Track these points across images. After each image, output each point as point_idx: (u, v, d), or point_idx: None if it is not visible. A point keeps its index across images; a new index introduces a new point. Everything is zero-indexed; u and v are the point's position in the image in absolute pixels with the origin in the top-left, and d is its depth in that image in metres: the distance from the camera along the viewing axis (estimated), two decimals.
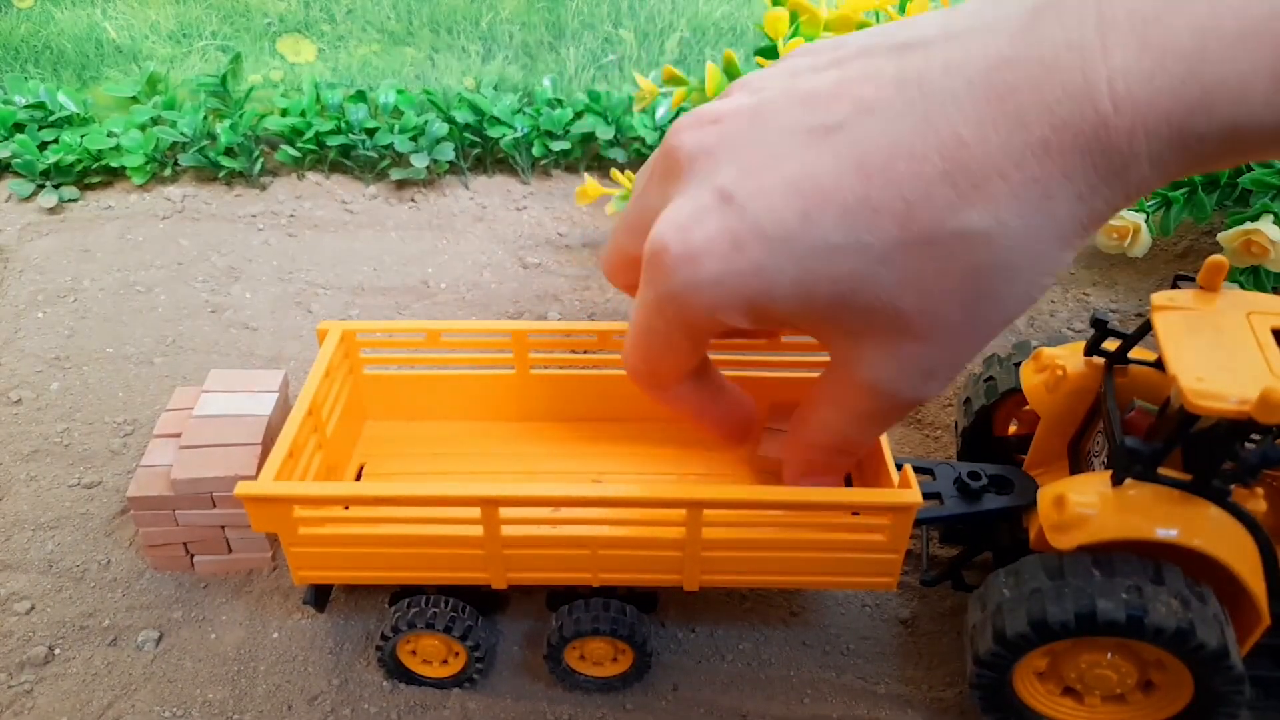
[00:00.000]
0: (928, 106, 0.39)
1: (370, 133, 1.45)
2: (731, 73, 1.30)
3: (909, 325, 0.44)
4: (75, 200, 1.37)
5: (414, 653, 0.76)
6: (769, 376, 0.89)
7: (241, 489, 0.67)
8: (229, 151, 1.43)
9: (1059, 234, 0.40)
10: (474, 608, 0.76)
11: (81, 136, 1.42)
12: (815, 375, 0.88)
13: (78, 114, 1.50)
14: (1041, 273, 0.42)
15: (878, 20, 1.15)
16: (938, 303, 0.43)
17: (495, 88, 1.63)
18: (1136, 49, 0.36)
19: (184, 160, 1.43)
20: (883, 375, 0.47)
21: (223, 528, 0.83)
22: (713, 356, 0.87)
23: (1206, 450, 0.65)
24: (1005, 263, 0.41)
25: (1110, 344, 0.77)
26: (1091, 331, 0.76)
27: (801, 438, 0.57)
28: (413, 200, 1.40)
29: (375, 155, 1.44)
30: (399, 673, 0.77)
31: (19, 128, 1.47)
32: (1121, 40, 0.36)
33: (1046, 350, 0.80)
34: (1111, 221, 1.15)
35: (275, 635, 0.81)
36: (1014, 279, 0.42)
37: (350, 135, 1.43)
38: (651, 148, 1.44)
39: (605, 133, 1.45)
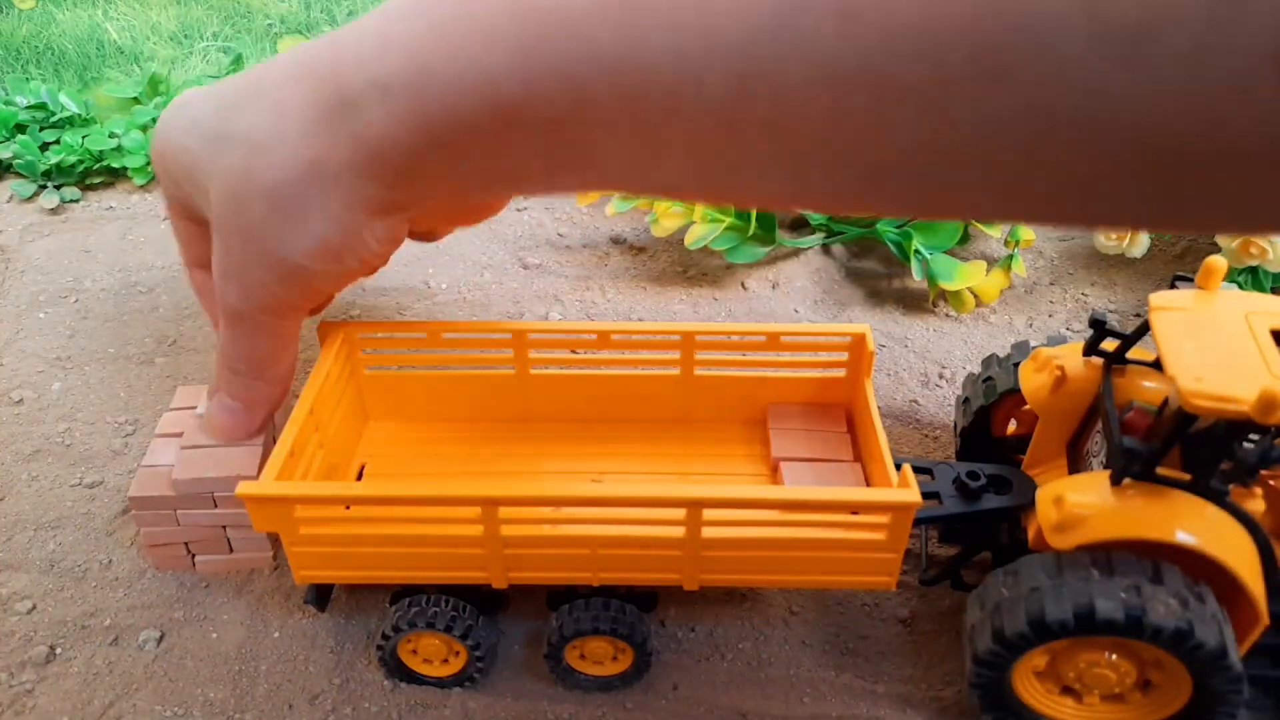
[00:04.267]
0: (302, 49, 0.54)
1: None
2: None
3: (209, 209, 0.55)
4: (77, 201, 1.38)
5: (415, 652, 0.77)
6: (769, 376, 0.89)
7: (243, 489, 0.67)
8: None
9: (290, 155, 0.50)
10: (474, 607, 0.76)
11: (83, 137, 1.42)
12: (815, 375, 0.88)
13: (79, 115, 1.50)
14: (277, 202, 0.51)
15: None
16: (217, 196, 0.53)
17: None
18: (374, 36, 0.49)
19: None
20: (213, 268, 0.58)
21: (224, 528, 0.84)
22: (709, 357, 0.87)
23: (1205, 450, 0.66)
24: (245, 172, 0.51)
25: (1109, 344, 0.77)
26: (1090, 332, 0.77)
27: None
28: None
29: None
30: (400, 672, 0.77)
31: (20, 128, 1.47)
32: (366, 29, 0.50)
33: (1045, 350, 0.80)
34: None
35: (276, 635, 0.81)
36: (253, 192, 0.52)
37: None
38: None
39: None
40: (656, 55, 0.39)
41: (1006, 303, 1.18)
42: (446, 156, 0.49)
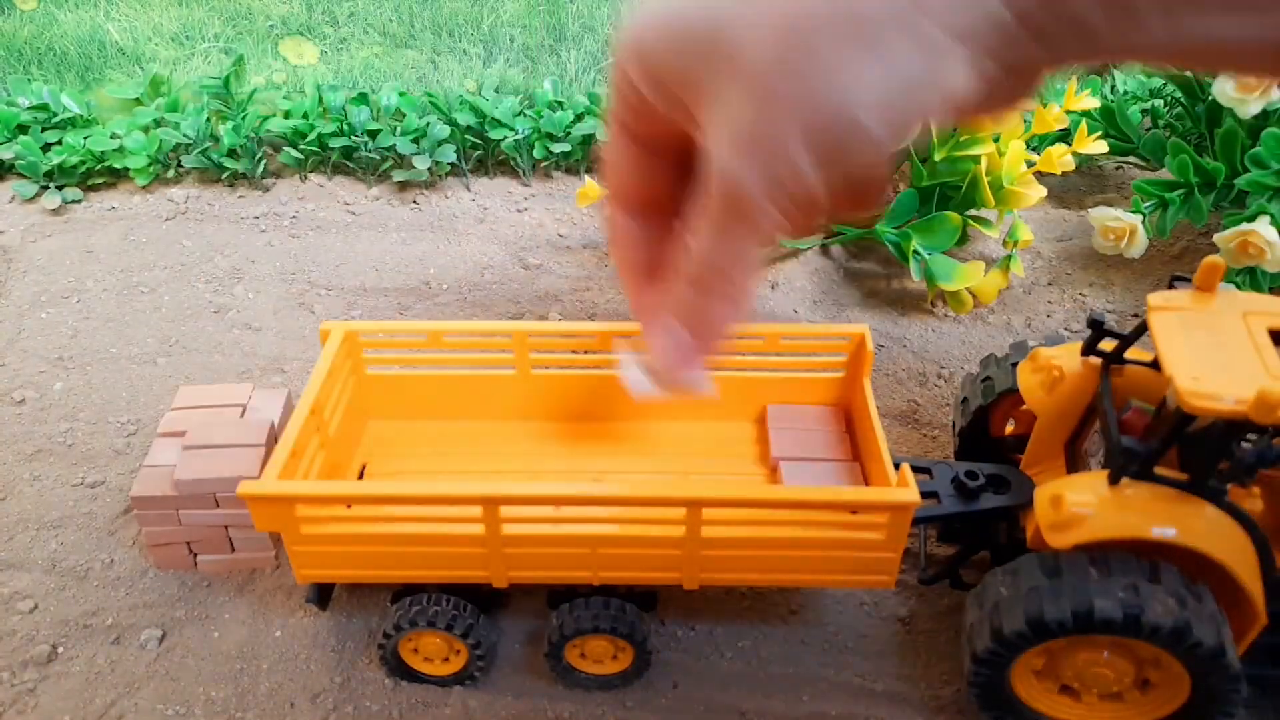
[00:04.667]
0: None
1: (372, 135, 1.45)
2: None
3: (729, 68, 0.37)
4: (78, 201, 1.38)
5: (416, 650, 0.77)
6: (769, 376, 0.89)
7: (244, 488, 0.67)
8: (232, 153, 1.44)
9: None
10: (475, 606, 0.76)
11: (85, 138, 1.43)
12: (814, 376, 0.89)
13: (81, 116, 1.51)
14: (856, 32, 0.35)
15: None
16: (752, 39, 0.36)
17: (496, 90, 1.63)
18: None
19: (187, 162, 1.43)
20: (714, 144, 0.39)
21: (226, 527, 0.84)
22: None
23: (1203, 450, 0.66)
24: (833, 9, 0.35)
25: (1107, 344, 0.77)
26: (1088, 332, 0.77)
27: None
28: (414, 202, 1.41)
29: (377, 157, 1.44)
30: (401, 670, 0.77)
31: (23, 129, 1.47)
32: None
33: (1043, 350, 0.80)
34: (1109, 223, 1.15)
35: (278, 633, 0.82)
36: (823, 24, 0.35)
37: (352, 137, 1.44)
38: None
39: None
40: None
41: (1004, 303, 1.18)
42: None
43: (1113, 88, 1.52)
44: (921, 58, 0.34)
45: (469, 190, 1.43)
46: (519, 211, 1.38)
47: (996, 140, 1.14)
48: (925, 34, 0.34)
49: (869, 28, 0.34)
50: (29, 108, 1.49)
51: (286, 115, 1.50)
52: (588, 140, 1.47)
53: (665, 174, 0.45)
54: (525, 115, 1.49)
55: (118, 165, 1.41)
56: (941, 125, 0.37)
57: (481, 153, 1.47)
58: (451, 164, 1.44)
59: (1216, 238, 1.06)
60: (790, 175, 0.37)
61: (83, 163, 1.40)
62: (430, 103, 1.52)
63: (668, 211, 0.47)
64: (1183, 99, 1.32)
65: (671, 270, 0.45)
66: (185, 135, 1.44)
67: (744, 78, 0.37)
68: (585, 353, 0.92)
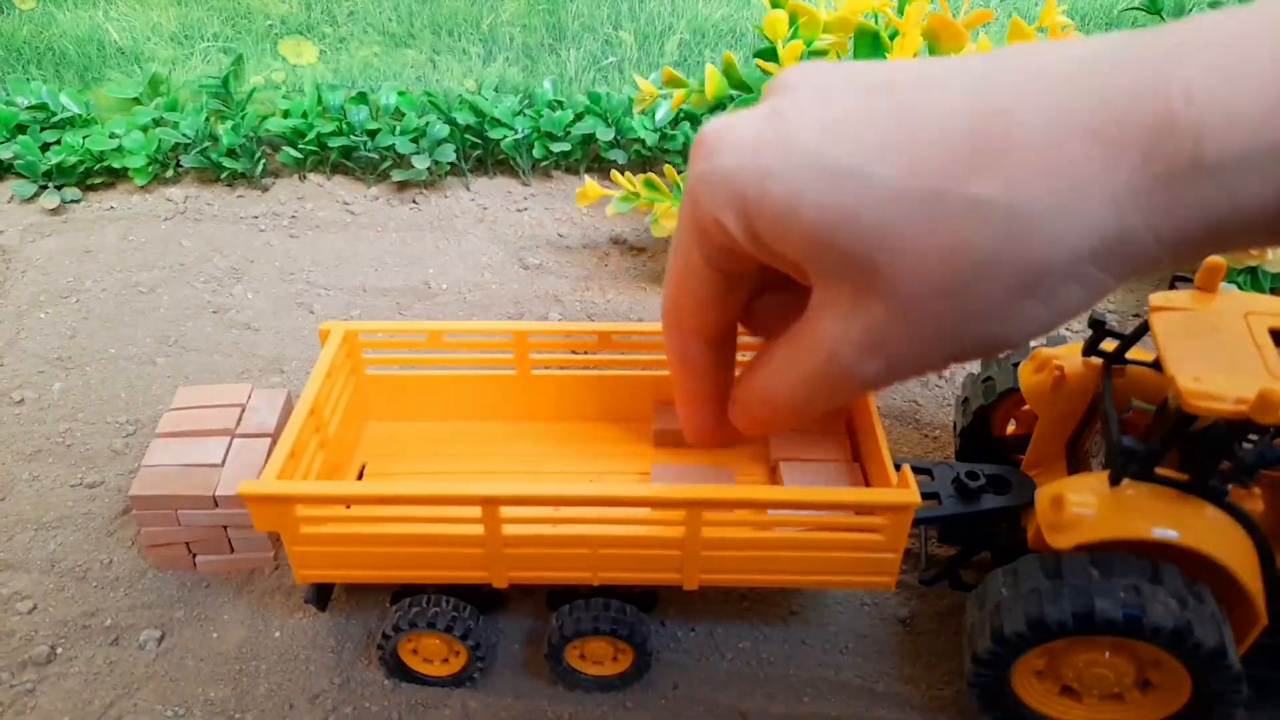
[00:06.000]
0: (986, 84, 0.38)
1: (372, 134, 1.45)
2: (730, 75, 1.31)
3: (876, 281, 0.42)
4: (77, 201, 1.38)
5: (415, 651, 0.77)
6: None
7: (244, 488, 0.67)
8: (231, 153, 1.43)
9: (1075, 239, 0.37)
10: (474, 607, 0.76)
11: (84, 138, 1.42)
12: None
13: (80, 115, 1.50)
14: (1032, 284, 0.39)
15: (876, 22, 1.15)
16: (911, 266, 0.40)
17: (496, 89, 1.63)
18: (1218, 57, 0.34)
19: (186, 161, 1.43)
20: (832, 330, 0.44)
21: (225, 528, 0.84)
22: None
23: (1204, 450, 0.66)
24: (995, 250, 0.38)
25: (1108, 344, 0.77)
26: (1089, 332, 0.77)
27: (748, 378, 0.53)
28: (414, 201, 1.40)
29: (377, 156, 1.44)
30: (400, 671, 0.77)
31: (21, 129, 1.47)
32: (1201, 55, 0.34)
33: (1044, 350, 0.80)
34: None
35: (277, 634, 0.82)
36: (997, 273, 0.39)
37: (352, 137, 1.44)
38: (651, 149, 1.45)
39: (605, 134, 1.45)
40: None
41: None
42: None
43: None
44: (1085, 297, 0.38)
45: (468, 190, 1.43)
46: (519, 211, 1.38)
47: None
48: (1094, 280, 0.38)
49: (1046, 280, 0.38)
50: (28, 107, 1.49)
51: (285, 115, 1.50)
52: (587, 140, 1.47)
53: (741, 302, 0.51)
54: (525, 114, 1.49)
55: (117, 165, 1.41)
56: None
57: (481, 152, 1.47)
58: (451, 163, 1.44)
59: None
60: (921, 365, 0.42)
61: (81, 162, 1.40)
62: (429, 102, 1.52)
63: (731, 337, 0.54)
64: None
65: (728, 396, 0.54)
66: (184, 135, 1.44)
67: (894, 298, 0.41)
68: (585, 353, 0.92)
